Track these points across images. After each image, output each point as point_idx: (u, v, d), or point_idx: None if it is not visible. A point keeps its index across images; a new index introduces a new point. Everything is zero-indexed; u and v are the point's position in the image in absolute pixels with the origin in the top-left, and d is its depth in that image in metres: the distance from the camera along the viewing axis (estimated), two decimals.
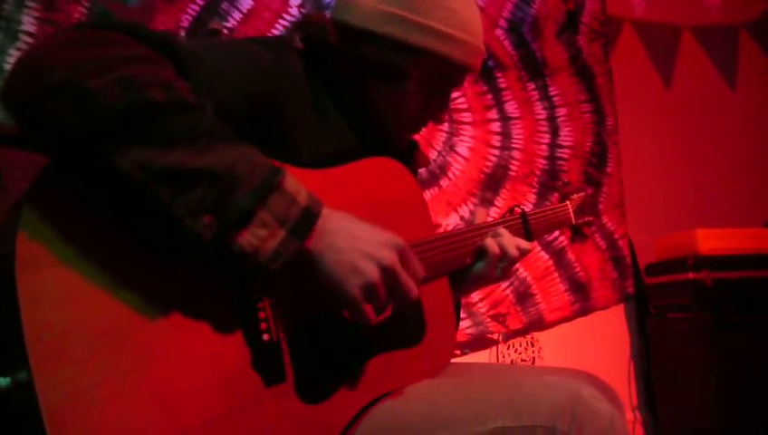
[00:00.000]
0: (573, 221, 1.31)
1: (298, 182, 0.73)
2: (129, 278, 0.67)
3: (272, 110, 0.85)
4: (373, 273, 0.75)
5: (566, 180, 1.49)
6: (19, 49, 1.62)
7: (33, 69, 0.64)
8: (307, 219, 0.72)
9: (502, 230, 1.10)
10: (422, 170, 2.12)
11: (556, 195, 2.53)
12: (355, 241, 0.76)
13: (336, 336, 0.86)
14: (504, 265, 1.09)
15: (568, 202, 1.32)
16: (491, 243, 1.07)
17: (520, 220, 1.18)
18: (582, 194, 1.35)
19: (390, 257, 0.77)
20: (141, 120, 0.64)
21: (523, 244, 1.11)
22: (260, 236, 0.68)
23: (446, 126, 2.36)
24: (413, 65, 0.96)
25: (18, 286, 0.60)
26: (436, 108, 1.03)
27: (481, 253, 1.09)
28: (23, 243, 0.61)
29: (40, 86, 0.63)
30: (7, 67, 1.61)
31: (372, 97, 0.98)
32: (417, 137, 1.13)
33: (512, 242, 1.09)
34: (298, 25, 1.01)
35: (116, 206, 0.69)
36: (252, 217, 0.68)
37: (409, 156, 1.09)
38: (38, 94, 0.63)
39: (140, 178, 0.64)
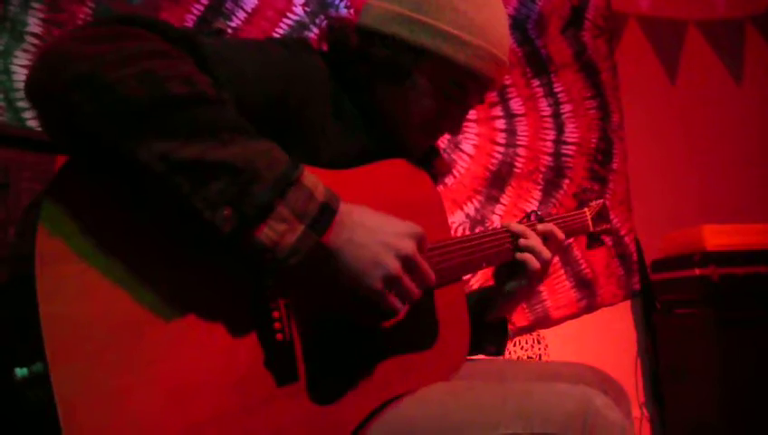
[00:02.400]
0: (591, 228, 1.29)
1: (316, 178, 0.74)
2: (145, 274, 0.68)
3: (289, 110, 0.85)
4: (394, 265, 0.76)
5: (585, 187, 1.47)
6: (25, 50, 1.63)
7: (57, 61, 0.65)
8: (325, 214, 0.72)
9: (525, 234, 1.09)
10: None
11: (560, 193, 2.54)
12: (374, 234, 0.76)
13: (350, 337, 0.86)
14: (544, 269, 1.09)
15: (586, 209, 1.30)
16: (527, 257, 1.07)
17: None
18: (601, 202, 1.33)
19: (410, 247, 0.78)
20: (162, 113, 0.65)
21: (556, 232, 1.11)
22: (279, 231, 0.69)
23: None
24: (419, 66, 0.95)
25: (37, 280, 0.61)
26: (450, 116, 1.00)
27: (519, 269, 1.08)
28: (42, 237, 0.62)
29: (63, 78, 0.63)
30: (13, 69, 1.61)
31: (379, 97, 0.98)
32: None
33: (540, 244, 1.08)
34: (325, 29, 1.01)
35: (135, 202, 0.69)
36: (271, 212, 0.68)
37: (429, 162, 1.08)
38: (61, 86, 0.63)
39: (160, 170, 0.64)
